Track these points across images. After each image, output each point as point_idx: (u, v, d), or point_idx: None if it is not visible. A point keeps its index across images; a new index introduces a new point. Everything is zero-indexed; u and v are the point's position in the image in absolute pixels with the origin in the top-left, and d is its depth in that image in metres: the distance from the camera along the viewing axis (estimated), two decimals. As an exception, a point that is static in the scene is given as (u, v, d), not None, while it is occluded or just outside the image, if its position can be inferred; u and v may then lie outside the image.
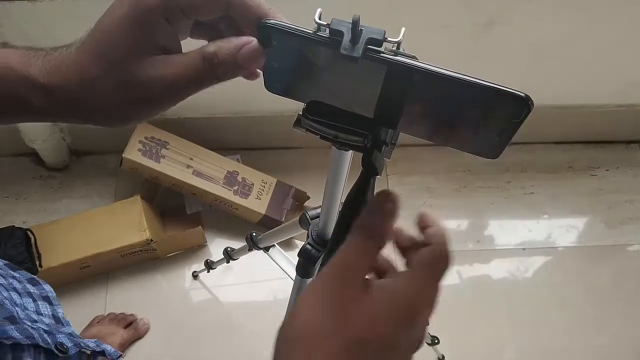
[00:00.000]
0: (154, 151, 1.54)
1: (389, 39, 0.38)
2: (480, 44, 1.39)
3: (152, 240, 1.51)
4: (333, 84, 0.43)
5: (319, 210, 0.81)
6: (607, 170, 1.83)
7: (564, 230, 1.74)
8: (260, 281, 1.62)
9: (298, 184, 1.67)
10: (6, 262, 0.76)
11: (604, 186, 1.80)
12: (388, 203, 0.42)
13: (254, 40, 0.41)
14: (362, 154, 0.46)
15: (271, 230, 1.07)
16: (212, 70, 0.41)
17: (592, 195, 1.79)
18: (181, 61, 0.42)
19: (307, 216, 0.82)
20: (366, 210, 0.43)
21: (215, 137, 1.68)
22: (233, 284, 1.62)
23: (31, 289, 0.77)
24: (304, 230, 0.87)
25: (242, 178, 1.61)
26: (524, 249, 1.71)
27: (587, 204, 1.78)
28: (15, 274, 0.77)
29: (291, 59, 0.42)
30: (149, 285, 1.60)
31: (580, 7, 1.30)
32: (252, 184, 1.62)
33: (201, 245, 1.66)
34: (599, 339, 1.59)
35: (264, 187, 1.63)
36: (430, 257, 0.42)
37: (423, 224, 0.45)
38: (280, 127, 1.42)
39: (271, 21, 0.39)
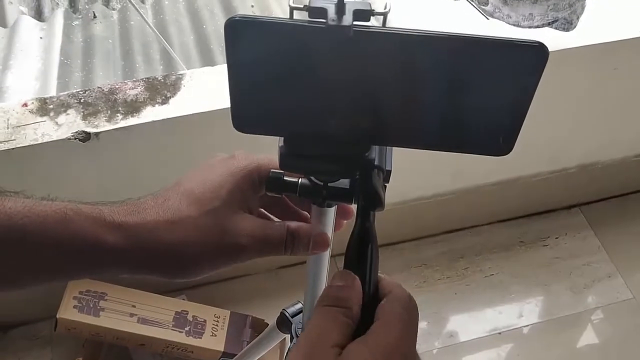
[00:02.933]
0: (91, 305, 1.40)
1: (375, 10, 0.34)
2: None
3: (102, 406, 1.33)
4: (315, 91, 0.37)
5: (299, 306, 0.72)
6: (557, 237, 1.81)
7: (532, 305, 1.68)
8: None
9: (254, 312, 1.54)
10: None
11: (559, 254, 1.78)
12: (346, 276, 0.42)
13: (325, 234, 0.49)
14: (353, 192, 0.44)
15: (244, 350, 0.94)
16: (291, 242, 0.47)
17: (550, 265, 1.76)
18: (268, 225, 0.47)
19: (287, 314, 0.72)
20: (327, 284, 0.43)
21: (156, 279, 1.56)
22: None
23: None
24: (286, 335, 0.77)
25: (193, 316, 1.48)
26: (499, 334, 1.63)
27: (548, 274, 1.74)
28: None
29: (267, 67, 0.36)
30: None
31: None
32: (205, 321, 1.48)
33: (159, 403, 1.49)
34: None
35: (217, 321, 1.50)
36: (395, 302, 0.41)
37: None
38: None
39: (238, 16, 0.33)
